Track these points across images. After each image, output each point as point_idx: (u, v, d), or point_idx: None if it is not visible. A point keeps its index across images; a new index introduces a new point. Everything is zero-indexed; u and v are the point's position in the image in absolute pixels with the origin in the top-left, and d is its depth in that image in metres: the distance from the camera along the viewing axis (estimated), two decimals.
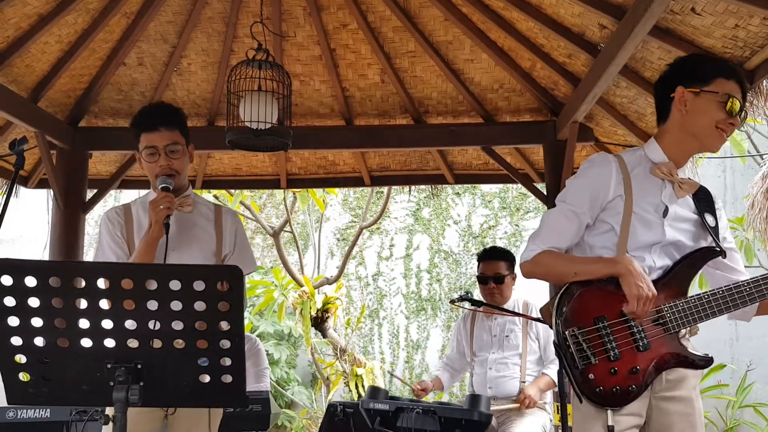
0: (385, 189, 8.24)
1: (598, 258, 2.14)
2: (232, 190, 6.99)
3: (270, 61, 3.28)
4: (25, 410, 3.12)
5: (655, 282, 2.08)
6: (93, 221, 10.02)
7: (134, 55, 4.53)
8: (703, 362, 2.12)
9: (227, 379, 1.68)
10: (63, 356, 1.63)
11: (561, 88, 4.46)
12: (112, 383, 1.64)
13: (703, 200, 2.22)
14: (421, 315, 9.37)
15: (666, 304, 2.09)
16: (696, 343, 2.17)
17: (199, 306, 1.60)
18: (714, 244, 2.16)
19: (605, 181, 2.13)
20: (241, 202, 7.42)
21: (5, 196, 2.00)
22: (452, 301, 3.74)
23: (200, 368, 1.67)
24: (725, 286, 2.11)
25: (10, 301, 1.57)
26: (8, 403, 1.68)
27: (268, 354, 8.42)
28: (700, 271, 2.19)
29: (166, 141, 2.54)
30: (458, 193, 9.63)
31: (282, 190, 6.75)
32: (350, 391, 7.59)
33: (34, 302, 1.56)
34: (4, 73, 3.98)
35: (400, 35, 4.39)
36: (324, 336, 7.78)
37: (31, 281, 1.55)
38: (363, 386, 7.30)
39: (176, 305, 1.60)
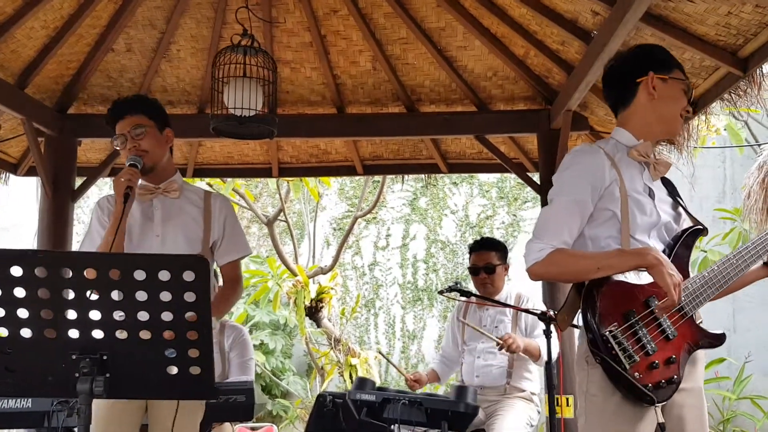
0: (381, 178, 8.19)
1: (619, 251, 2.04)
2: (226, 179, 6.94)
3: (255, 47, 3.22)
4: (5, 401, 3.08)
5: None
6: (89, 209, 9.98)
7: (122, 41, 4.47)
8: (722, 338, 2.11)
9: (195, 370, 1.64)
10: (27, 347, 1.59)
11: (555, 76, 4.40)
12: (77, 374, 1.60)
13: (669, 185, 2.23)
14: (418, 305, 9.33)
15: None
16: None
17: (165, 296, 1.56)
18: (695, 223, 2.17)
19: (599, 166, 2.08)
20: (235, 190, 7.37)
21: None
22: (440, 292, 3.72)
23: (167, 359, 1.63)
24: (716, 263, 2.12)
25: None
26: None
27: (263, 344, 8.42)
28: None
29: (130, 125, 2.59)
30: (455, 182, 9.58)
31: (275, 179, 6.71)
32: (345, 381, 7.56)
33: None
34: None
35: (392, 21, 4.33)
36: (318, 326, 7.75)
37: None
38: (357, 376, 7.28)
39: (141, 295, 1.56)
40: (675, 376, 1.98)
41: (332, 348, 7.59)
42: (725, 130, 6.97)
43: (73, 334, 1.58)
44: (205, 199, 2.71)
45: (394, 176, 6.26)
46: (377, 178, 8.31)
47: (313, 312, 7.46)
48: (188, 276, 1.54)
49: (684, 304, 2.04)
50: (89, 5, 4.03)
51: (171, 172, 2.73)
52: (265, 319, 8.53)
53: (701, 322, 2.12)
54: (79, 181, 4.90)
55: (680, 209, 2.20)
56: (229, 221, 2.71)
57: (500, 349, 3.62)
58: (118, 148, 2.68)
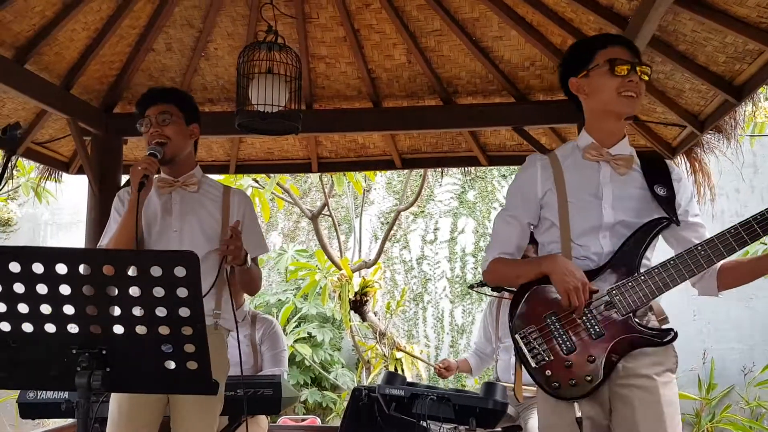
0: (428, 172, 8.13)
1: (529, 260, 2.22)
2: (271, 174, 7.02)
3: (279, 43, 3.23)
4: (42, 393, 3.20)
5: (605, 266, 2.08)
6: None
7: (162, 41, 4.56)
8: (661, 337, 2.06)
9: (193, 365, 1.66)
10: (29, 341, 1.63)
11: None
12: (79, 369, 1.64)
13: (655, 172, 2.18)
14: (467, 299, 9.26)
15: (614, 287, 2.07)
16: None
17: (158, 292, 1.58)
18: (664, 215, 2.11)
19: (531, 180, 2.23)
20: (280, 185, 7.45)
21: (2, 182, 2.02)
22: (471, 287, 3.66)
23: (165, 355, 1.66)
24: (677, 255, 2.06)
25: None
26: None
27: (311, 336, 8.50)
28: (651, 245, 2.13)
29: (158, 111, 2.62)
30: (504, 175, 9.45)
31: (318, 174, 6.76)
32: None
33: None
34: (34, 61, 4.06)
35: (425, 13, 4.28)
36: (363, 319, 7.77)
37: None
38: (402, 370, 7.28)
39: (135, 291, 1.58)
40: (589, 376, 2.02)
41: (378, 342, 7.61)
42: None
43: (72, 329, 1.62)
44: (224, 195, 2.74)
45: (434, 169, 6.19)
46: (422, 171, 8.27)
47: (358, 306, 7.48)
48: (179, 272, 1.55)
49: (617, 302, 2.05)
50: (127, 6, 4.13)
51: (191, 166, 2.77)
52: (312, 311, 8.62)
53: (662, 319, 2.10)
54: (125, 178, 5.04)
55: (655, 202, 2.14)
56: (249, 218, 2.72)
57: None
58: (141, 131, 2.72)
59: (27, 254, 1.55)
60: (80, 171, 5.55)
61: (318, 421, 6.03)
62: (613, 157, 2.16)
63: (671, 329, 2.06)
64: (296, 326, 8.55)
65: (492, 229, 2.33)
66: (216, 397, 2.57)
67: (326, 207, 7.83)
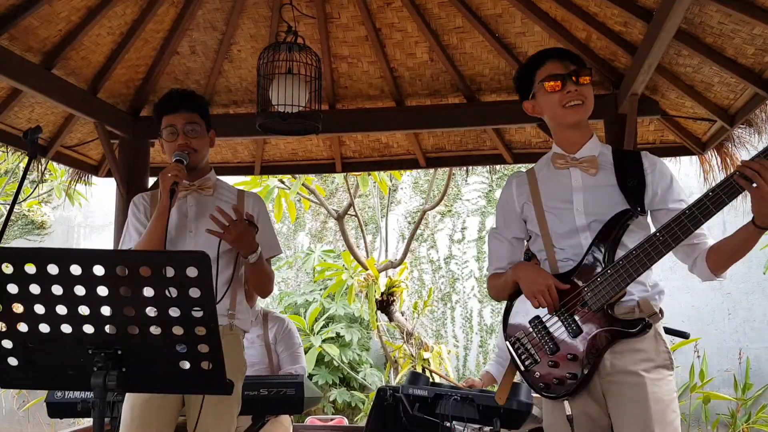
0: (454, 171, 8.07)
1: (506, 272, 2.34)
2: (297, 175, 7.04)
3: (299, 43, 3.23)
4: (71, 392, 3.25)
5: (577, 265, 2.16)
6: None
7: (186, 44, 4.60)
8: (638, 327, 2.08)
9: (207, 365, 1.66)
10: (46, 342, 1.65)
11: (620, 58, 4.21)
12: (95, 369, 1.66)
13: (626, 166, 2.24)
14: None
15: (585, 284, 2.13)
16: None
17: (171, 292, 1.58)
18: (628, 207, 2.16)
19: (509, 197, 2.39)
20: (305, 185, 7.47)
21: (18, 185, 2.05)
22: None
23: (179, 355, 1.66)
24: (638, 244, 2.09)
25: None
26: (0, 386, 1.73)
27: (339, 336, 8.51)
28: (624, 237, 2.17)
29: (185, 120, 2.62)
30: None
31: (343, 174, 6.76)
32: None
33: (12, 289, 1.59)
34: (61, 66, 4.13)
35: (446, 11, 4.25)
36: (390, 319, 7.74)
37: (8, 268, 1.57)
38: (430, 370, 7.24)
39: (148, 291, 1.59)
40: (569, 373, 2.12)
41: (405, 342, 7.59)
42: None
43: (88, 329, 1.63)
44: (238, 198, 2.76)
45: (460, 168, 6.15)
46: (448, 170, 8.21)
47: (385, 306, 7.46)
48: (191, 272, 1.56)
49: (588, 299, 2.11)
50: (151, 10, 4.17)
51: (206, 170, 2.80)
52: (340, 311, 8.63)
53: (652, 315, 2.10)
54: (152, 181, 5.09)
55: (623, 196, 2.18)
56: (262, 220, 2.73)
57: None
58: (164, 139, 2.74)
59: (42, 256, 1.56)
60: (109, 174, 5.62)
61: (345, 421, 6.03)
62: (578, 161, 2.26)
63: (643, 318, 2.09)
64: (324, 326, 8.57)
65: (487, 248, 2.50)
66: (233, 398, 2.58)
67: (352, 207, 7.83)
